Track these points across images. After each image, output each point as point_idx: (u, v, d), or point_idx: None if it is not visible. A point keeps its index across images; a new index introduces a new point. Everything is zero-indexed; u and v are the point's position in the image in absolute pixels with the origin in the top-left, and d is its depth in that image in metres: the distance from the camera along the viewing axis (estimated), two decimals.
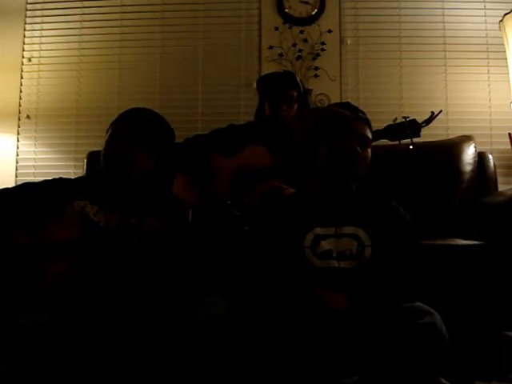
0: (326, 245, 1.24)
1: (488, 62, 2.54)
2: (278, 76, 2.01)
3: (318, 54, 2.56)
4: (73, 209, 1.29)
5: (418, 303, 1.16)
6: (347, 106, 1.37)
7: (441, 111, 1.84)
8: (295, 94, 1.95)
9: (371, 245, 1.24)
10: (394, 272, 1.22)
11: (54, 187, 1.38)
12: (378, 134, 1.87)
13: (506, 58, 2.30)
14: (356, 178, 1.31)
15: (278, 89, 1.95)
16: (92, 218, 1.26)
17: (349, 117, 1.29)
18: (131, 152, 1.32)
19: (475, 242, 1.70)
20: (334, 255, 1.23)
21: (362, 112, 1.34)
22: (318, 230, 1.25)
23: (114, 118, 1.40)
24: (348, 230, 1.25)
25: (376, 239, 1.24)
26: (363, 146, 1.28)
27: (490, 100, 2.53)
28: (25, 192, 1.37)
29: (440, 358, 1.08)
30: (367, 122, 1.33)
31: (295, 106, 1.95)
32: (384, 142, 1.90)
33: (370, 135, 1.32)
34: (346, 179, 1.30)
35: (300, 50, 2.56)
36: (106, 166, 1.35)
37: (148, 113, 1.43)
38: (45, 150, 2.67)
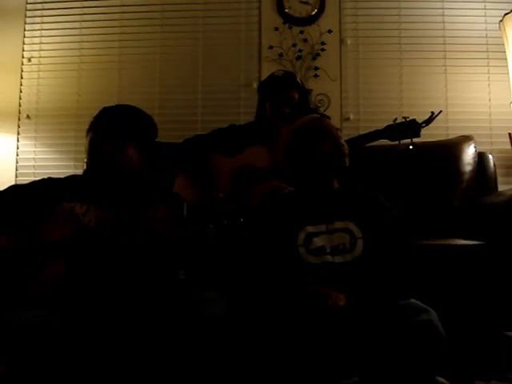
0: (318, 241, 1.26)
1: (488, 62, 2.53)
2: (279, 77, 1.99)
3: (317, 54, 2.56)
4: (62, 210, 1.29)
5: (413, 300, 1.16)
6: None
7: (441, 111, 1.84)
8: (296, 95, 1.94)
9: (362, 237, 1.26)
10: (386, 267, 1.23)
11: (43, 188, 1.38)
12: (378, 134, 1.88)
13: (506, 58, 2.30)
14: (341, 171, 1.37)
15: (279, 90, 1.94)
16: (81, 218, 1.26)
17: (309, 120, 1.40)
18: (122, 148, 1.33)
19: (475, 242, 1.70)
20: (328, 251, 1.26)
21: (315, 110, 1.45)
22: (310, 228, 1.28)
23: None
24: (339, 224, 1.29)
25: (366, 231, 1.27)
26: (327, 137, 1.35)
27: (489, 100, 2.52)
28: (13, 194, 1.36)
29: (438, 356, 1.08)
30: (325, 116, 1.48)
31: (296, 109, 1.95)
32: (384, 142, 1.90)
33: (331, 125, 1.39)
34: (330, 175, 1.36)
35: (300, 50, 2.56)
36: (95, 163, 1.35)
37: (132, 109, 1.43)
38: (45, 150, 2.67)
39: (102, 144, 1.34)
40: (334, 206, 1.32)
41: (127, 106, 1.45)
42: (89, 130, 1.40)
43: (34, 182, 1.42)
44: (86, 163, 1.38)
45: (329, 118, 1.44)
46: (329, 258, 1.25)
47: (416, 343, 1.05)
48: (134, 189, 1.36)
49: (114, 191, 1.34)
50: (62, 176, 1.48)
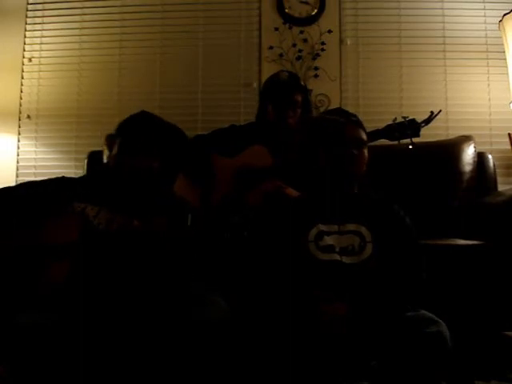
0: (329, 240, 1.28)
1: (487, 62, 2.54)
2: (283, 81, 1.97)
3: (317, 54, 2.56)
4: (72, 210, 1.29)
5: (423, 311, 1.17)
6: (339, 111, 1.46)
7: (440, 111, 1.84)
8: (300, 98, 1.94)
9: (372, 241, 1.27)
10: (395, 275, 1.24)
11: (56, 187, 1.38)
12: (378, 134, 1.87)
13: (505, 59, 2.30)
14: (355, 178, 1.37)
15: (284, 94, 1.92)
16: (92, 219, 1.27)
17: (342, 123, 1.37)
18: (148, 161, 1.32)
19: (475, 242, 1.70)
20: (337, 250, 1.27)
21: (354, 115, 1.42)
22: (322, 227, 1.30)
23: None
24: (350, 226, 1.30)
25: (377, 237, 1.28)
26: (358, 147, 1.35)
27: (489, 100, 2.53)
28: (25, 191, 1.36)
29: (445, 366, 1.09)
30: (360, 125, 1.40)
31: (299, 111, 1.94)
32: (384, 141, 1.90)
33: (364, 136, 1.39)
34: (345, 179, 1.35)
35: (300, 50, 2.56)
36: (118, 170, 1.34)
37: (164, 123, 1.42)
38: (45, 149, 2.68)
39: (134, 153, 1.32)
40: (348, 209, 1.33)
41: (160, 119, 1.43)
42: (118, 135, 1.38)
43: (47, 180, 1.41)
44: (107, 165, 1.37)
45: (358, 121, 1.41)
46: (337, 256, 1.26)
47: (426, 354, 1.07)
48: (146, 196, 1.36)
49: (127, 196, 1.34)
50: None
